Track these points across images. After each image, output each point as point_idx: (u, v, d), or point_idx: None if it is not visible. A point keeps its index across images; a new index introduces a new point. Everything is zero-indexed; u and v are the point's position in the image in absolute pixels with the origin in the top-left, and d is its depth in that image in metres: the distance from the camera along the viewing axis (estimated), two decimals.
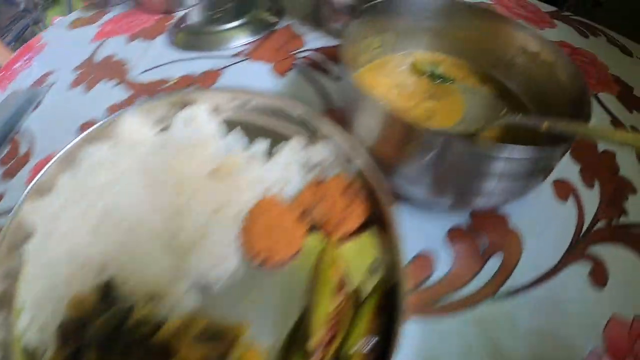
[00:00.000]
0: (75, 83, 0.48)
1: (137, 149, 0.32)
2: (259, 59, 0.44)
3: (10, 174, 0.40)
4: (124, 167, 0.31)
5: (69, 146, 0.33)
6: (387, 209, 0.26)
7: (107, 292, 0.28)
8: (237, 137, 0.33)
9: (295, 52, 0.45)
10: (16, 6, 1.06)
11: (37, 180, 0.31)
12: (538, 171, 0.28)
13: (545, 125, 0.25)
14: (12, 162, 0.41)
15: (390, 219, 0.25)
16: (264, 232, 0.27)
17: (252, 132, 0.34)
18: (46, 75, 0.51)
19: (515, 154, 0.24)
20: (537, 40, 0.33)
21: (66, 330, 0.26)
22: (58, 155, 0.33)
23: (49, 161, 0.39)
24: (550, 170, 0.29)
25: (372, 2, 0.33)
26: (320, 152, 0.30)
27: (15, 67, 0.55)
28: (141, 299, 0.27)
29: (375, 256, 0.26)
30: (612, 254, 0.30)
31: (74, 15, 0.65)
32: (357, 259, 0.26)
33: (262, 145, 0.32)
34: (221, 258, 0.27)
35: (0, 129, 0.43)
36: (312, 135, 0.33)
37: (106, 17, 0.60)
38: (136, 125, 0.34)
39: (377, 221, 0.27)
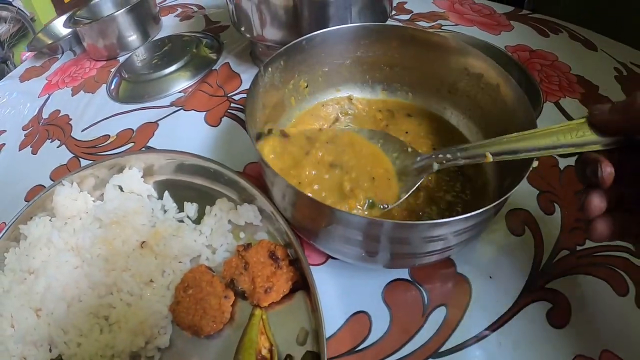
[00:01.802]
0: (23, 144, 0.49)
1: (72, 224, 0.33)
2: (193, 107, 0.44)
3: None
4: (60, 245, 0.32)
5: (10, 223, 0.35)
6: (310, 276, 0.26)
7: None
8: (167, 202, 0.34)
9: (230, 94, 0.45)
10: None
11: None
12: (481, 224, 0.26)
13: (488, 157, 0.23)
14: None
15: (312, 287, 0.25)
16: (192, 306, 0.27)
17: (182, 194, 0.34)
18: None
19: (447, 227, 0.22)
20: (478, 61, 0.32)
21: None
22: (3, 232, 0.34)
23: (1, 229, 0.40)
24: (499, 211, 0.28)
25: (290, 44, 0.32)
26: (246, 215, 0.31)
27: None
28: None
29: (302, 324, 0.26)
30: (574, 287, 0.29)
31: (26, 64, 0.66)
32: (286, 326, 0.27)
33: (191, 209, 0.33)
34: (156, 332, 0.27)
35: None
36: (239, 196, 0.33)
37: (54, 67, 0.61)
38: (71, 197, 0.35)
39: (304, 285, 0.28)
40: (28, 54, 1.15)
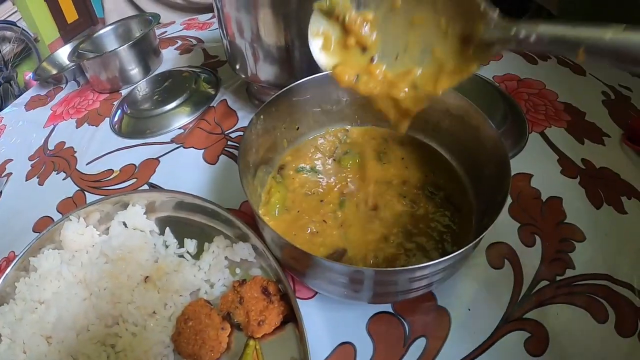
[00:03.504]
0: (30, 175, 0.54)
1: (79, 258, 0.38)
2: (192, 145, 0.49)
3: None
4: (69, 278, 0.36)
5: (20, 254, 0.38)
6: (297, 311, 0.30)
7: None
8: (169, 238, 0.39)
9: (227, 131, 0.50)
10: None
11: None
12: (461, 259, 0.30)
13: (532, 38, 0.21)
14: None
15: (300, 321, 0.29)
16: (192, 337, 0.31)
17: (183, 230, 0.39)
18: (5, 162, 0.57)
19: (425, 270, 0.26)
20: (458, 103, 0.35)
21: None
22: (12, 265, 0.38)
23: (9, 261, 0.45)
24: (477, 245, 0.32)
25: (278, 93, 0.36)
26: (241, 252, 0.35)
27: None
28: None
29: (292, 354, 0.30)
30: (553, 316, 0.31)
31: (29, 93, 0.72)
32: (277, 355, 0.31)
33: (190, 245, 0.37)
34: (159, 359, 0.31)
35: None
36: (235, 234, 0.37)
37: (58, 97, 0.67)
38: (78, 231, 0.39)
39: (293, 319, 0.32)
40: (31, 74, 1.23)
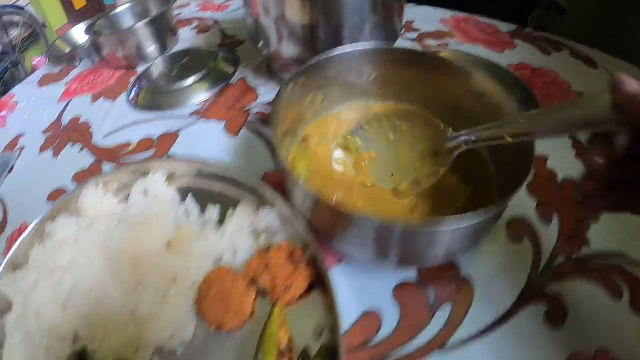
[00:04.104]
0: (44, 147, 0.53)
1: (98, 224, 0.37)
2: (212, 117, 0.49)
3: None
4: (87, 245, 0.35)
5: (36, 221, 0.38)
6: (327, 275, 0.30)
7: None
8: (190, 205, 0.38)
9: (248, 107, 0.50)
10: None
11: (11, 255, 0.36)
12: (485, 227, 0.30)
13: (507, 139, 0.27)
14: None
15: (329, 285, 0.29)
16: (217, 301, 0.31)
17: (205, 198, 0.38)
18: (17, 137, 0.56)
19: (451, 226, 0.26)
20: (479, 81, 0.36)
21: None
22: (28, 230, 0.37)
23: (22, 231, 0.44)
24: (499, 216, 0.32)
25: (309, 64, 0.37)
26: (266, 218, 0.34)
27: None
28: None
29: (318, 320, 0.30)
30: (571, 290, 0.32)
31: (43, 70, 0.71)
32: (303, 322, 0.30)
33: (213, 212, 0.37)
34: (180, 326, 0.31)
35: None
36: (259, 201, 0.37)
37: (72, 74, 0.66)
38: (97, 198, 0.38)
39: (320, 284, 0.31)
40: (38, 59, 1.22)
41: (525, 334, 0.30)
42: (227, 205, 0.37)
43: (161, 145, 0.47)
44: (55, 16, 1.52)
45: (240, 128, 0.46)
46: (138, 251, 0.34)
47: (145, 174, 0.40)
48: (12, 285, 0.35)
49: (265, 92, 0.51)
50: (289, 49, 0.45)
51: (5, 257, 0.40)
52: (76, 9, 1.60)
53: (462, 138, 0.32)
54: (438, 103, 0.40)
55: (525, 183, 0.28)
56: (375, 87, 0.41)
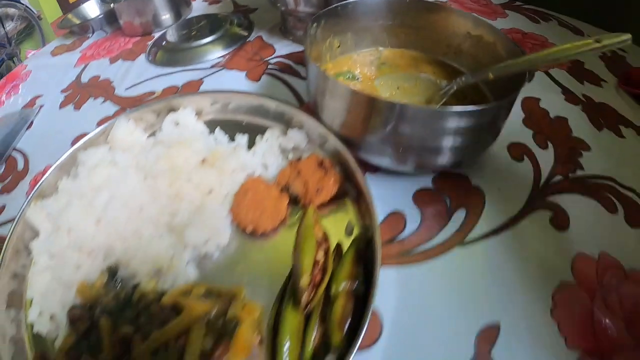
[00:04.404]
0: (64, 104, 0.54)
1: (131, 150, 0.39)
2: (234, 67, 0.52)
3: (9, 188, 0.45)
4: (122, 165, 0.37)
5: (67, 153, 0.39)
6: (358, 177, 0.33)
7: (113, 275, 0.34)
8: (220, 135, 0.40)
9: (267, 59, 0.53)
10: None
11: (40, 185, 0.37)
12: (487, 127, 0.34)
13: (490, 75, 0.34)
14: (10, 178, 0.46)
15: (361, 183, 0.32)
16: (251, 206, 0.33)
17: (233, 129, 0.40)
18: (35, 98, 0.57)
19: (460, 112, 0.30)
20: (477, 25, 0.40)
21: (75, 314, 0.31)
22: (58, 162, 0.39)
23: (46, 172, 0.46)
24: (498, 130, 0.36)
25: (329, 7, 0.41)
26: (294, 138, 0.37)
27: (1, 95, 0.61)
28: (145, 277, 0.33)
29: (349, 219, 0.33)
30: (571, 202, 0.35)
31: (54, 43, 0.72)
32: (334, 223, 0.33)
33: (242, 140, 0.39)
34: (216, 232, 0.33)
35: None
36: (287, 125, 0.40)
37: (86, 44, 0.68)
38: (128, 131, 0.41)
39: (349, 191, 0.34)
40: (33, 52, 1.23)
41: (534, 234, 0.34)
42: (254, 133, 0.40)
43: (186, 91, 0.49)
44: (50, 9, 1.53)
45: (262, 75, 0.50)
46: (174, 167, 0.36)
47: (174, 110, 0.43)
48: (40, 213, 0.36)
49: (282, 47, 0.55)
50: (306, 6, 0.49)
51: (33, 189, 0.42)
52: (70, 2, 1.62)
53: (452, 85, 0.38)
54: (442, 47, 0.45)
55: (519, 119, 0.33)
56: (385, 34, 0.46)
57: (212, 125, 0.42)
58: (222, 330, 0.27)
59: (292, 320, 0.26)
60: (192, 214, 0.34)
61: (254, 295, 0.30)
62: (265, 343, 0.28)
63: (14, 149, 0.50)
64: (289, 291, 0.28)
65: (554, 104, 0.47)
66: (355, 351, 0.24)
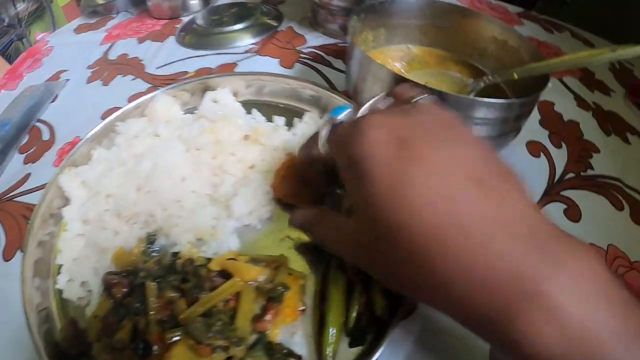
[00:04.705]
0: (91, 79, 0.54)
1: (171, 124, 0.40)
2: (267, 54, 0.53)
3: (33, 158, 0.45)
4: (164, 136, 0.38)
5: (103, 123, 0.40)
6: None
7: (151, 243, 0.35)
8: (257, 115, 0.42)
9: (299, 47, 0.55)
10: (1, 21, 1.16)
11: (73, 153, 0.38)
12: (512, 121, 0.36)
13: (515, 75, 0.37)
14: (34, 148, 0.47)
15: None
16: (293, 182, 0.35)
17: (268, 111, 0.42)
18: (59, 72, 0.57)
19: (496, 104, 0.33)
20: (503, 30, 0.44)
21: (112, 280, 0.31)
22: (93, 131, 0.39)
23: (76, 143, 0.46)
24: (520, 126, 0.39)
25: (367, 4, 0.43)
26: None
27: (22, 68, 0.62)
28: (186, 245, 0.34)
29: None
30: (582, 197, 0.39)
31: (77, 21, 0.72)
32: None
33: (280, 121, 0.41)
34: (259, 204, 0.34)
35: (20, 118, 0.49)
36: (324, 111, 0.42)
37: (110, 24, 0.68)
38: (167, 106, 0.42)
39: None
40: (42, 35, 1.23)
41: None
42: (291, 117, 0.41)
43: (221, 73, 0.50)
44: None
45: (295, 63, 0.51)
46: (218, 140, 0.37)
47: (211, 89, 0.44)
48: (73, 180, 0.37)
49: (313, 38, 0.56)
50: (339, 0, 0.52)
51: (58, 164, 0.43)
52: None
53: (479, 82, 0.40)
54: (468, 48, 0.48)
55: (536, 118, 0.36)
56: (416, 32, 0.49)
57: (247, 106, 0.43)
58: (272, 295, 0.28)
59: (338, 288, 0.28)
60: (235, 186, 0.35)
61: (296, 266, 0.32)
62: (308, 311, 0.29)
63: (38, 120, 0.51)
64: (334, 259, 0.30)
65: (567, 109, 0.50)
66: (400, 317, 0.26)
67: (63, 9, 1.32)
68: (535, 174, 0.41)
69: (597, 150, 0.46)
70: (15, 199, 0.41)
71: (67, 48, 0.65)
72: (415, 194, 0.17)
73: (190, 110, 0.43)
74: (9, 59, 1.19)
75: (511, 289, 0.15)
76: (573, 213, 0.39)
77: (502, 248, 0.15)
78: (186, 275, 0.31)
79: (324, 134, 0.27)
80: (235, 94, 0.44)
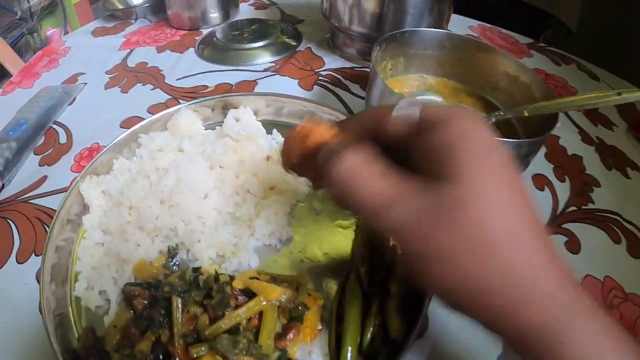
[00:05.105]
0: (109, 85, 0.55)
1: (195, 138, 0.41)
2: (286, 74, 0.55)
3: (50, 161, 0.46)
4: (188, 151, 0.39)
5: (126, 133, 0.41)
6: None
7: (172, 256, 0.36)
8: (277, 137, 0.43)
9: (317, 70, 0.56)
10: (13, 14, 1.16)
11: (94, 161, 0.39)
12: (522, 158, 0.39)
13: (525, 112, 0.39)
14: (50, 150, 0.48)
15: None
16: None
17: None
18: (76, 75, 0.58)
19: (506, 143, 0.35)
20: (516, 66, 0.45)
21: (133, 291, 0.32)
22: (116, 140, 0.40)
23: (95, 149, 0.48)
24: (529, 162, 0.41)
25: (388, 34, 0.45)
26: None
27: (38, 67, 0.62)
28: (207, 261, 0.36)
29: None
30: (582, 230, 0.40)
31: (94, 24, 0.73)
32: None
33: None
34: (279, 226, 0.35)
35: (37, 119, 0.50)
36: None
37: (129, 29, 0.69)
38: (190, 121, 0.43)
39: None
40: (53, 30, 1.24)
41: None
42: None
43: (240, 91, 0.52)
44: None
45: (313, 85, 0.53)
46: (242, 159, 0.38)
47: (231, 106, 0.45)
48: (95, 188, 0.38)
49: (331, 61, 0.58)
50: (359, 26, 0.54)
51: (76, 169, 0.44)
52: None
53: (491, 117, 0.42)
54: (481, 82, 0.51)
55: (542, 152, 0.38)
56: (431, 63, 0.51)
57: (268, 126, 0.44)
58: (294, 315, 0.29)
59: (355, 308, 0.30)
60: (257, 206, 0.36)
61: (315, 286, 0.33)
62: (325, 329, 0.31)
63: (55, 121, 0.52)
64: (352, 280, 0.32)
65: (572, 143, 0.53)
66: (413, 339, 0.28)
67: (75, 7, 1.33)
68: (539, 207, 0.44)
69: (599, 185, 0.49)
70: (30, 201, 0.42)
71: (84, 50, 0.66)
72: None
73: (211, 126, 0.45)
74: (19, 52, 1.20)
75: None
76: (573, 245, 0.41)
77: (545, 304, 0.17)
78: (209, 291, 0.32)
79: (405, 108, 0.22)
80: (255, 113, 0.46)
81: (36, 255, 0.37)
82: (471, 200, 0.17)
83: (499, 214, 0.18)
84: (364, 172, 0.20)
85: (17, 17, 1.18)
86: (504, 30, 0.72)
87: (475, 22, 0.74)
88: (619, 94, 0.38)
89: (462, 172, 0.18)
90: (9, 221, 0.40)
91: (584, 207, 0.45)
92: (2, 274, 0.36)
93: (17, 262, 0.37)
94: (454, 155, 0.18)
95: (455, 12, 0.76)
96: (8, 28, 1.16)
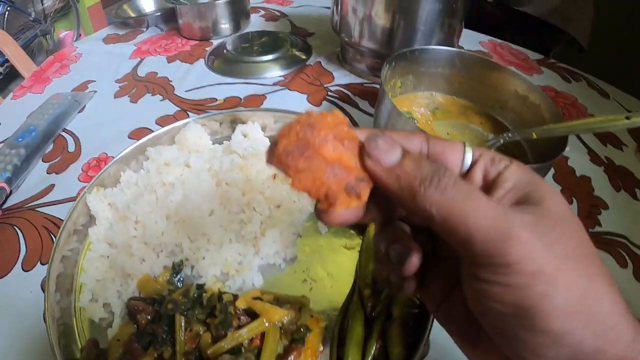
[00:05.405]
0: (119, 94, 0.56)
1: (202, 154, 0.42)
2: (295, 89, 0.55)
3: (58, 169, 0.47)
4: (195, 167, 0.39)
5: (133, 146, 0.41)
6: None
7: (177, 273, 0.37)
8: None
9: (326, 85, 0.57)
10: (27, 15, 1.19)
11: (101, 173, 0.39)
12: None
13: (534, 135, 0.39)
14: (59, 158, 0.48)
15: None
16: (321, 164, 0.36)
17: None
18: (87, 82, 0.59)
19: None
20: (526, 86, 0.45)
21: (136, 306, 0.32)
22: (123, 153, 0.41)
23: (102, 160, 0.49)
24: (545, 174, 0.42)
25: (398, 52, 0.45)
26: None
27: (49, 72, 0.63)
28: (211, 278, 0.36)
29: None
30: None
31: (105, 30, 0.74)
32: None
33: None
34: (284, 246, 0.36)
35: (46, 126, 0.50)
36: None
37: (140, 37, 0.70)
38: (198, 135, 0.44)
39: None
40: (66, 32, 1.26)
41: None
42: None
43: (249, 105, 0.52)
44: None
45: (322, 101, 0.54)
46: (247, 178, 0.39)
47: (239, 121, 0.46)
48: (102, 201, 0.38)
49: (340, 76, 0.58)
50: (369, 42, 0.54)
51: (87, 173, 0.45)
52: None
53: (499, 139, 0.42)
54: (490, 100, 0.51)
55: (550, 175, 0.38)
56: (441, 81, 0.51)
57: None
58: (295, 336, 0.30)
59: (357, 331, 0.30)
60: (263, 225, 0.37)
61: (317, 307, 0.33)
62: (326, 351, 0.31)
63: (64, 129, 0.52)
64: (355, 302, 0.32)
65: (580, 163, 0.53)
66: None
67: (89, 10, 1.36)
68: None
69: (606, 207, 0.48)
70: (37, 209, 0.43)
71: (95, 57, 0.67)
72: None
73: (218, 140, 0.45)
74: (32, 54, 1.22)
75: None
76: None
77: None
78: (212, 310, 0.32)
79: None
80: (263, 129, 0.46)
81: (42, 263, 0.38)
82: None
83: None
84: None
85: (31, 18, 1.21)
86: (514, 46, 0.72)
87: (486, 38, 0.74)
88: (628, 117, 0.38)
89: None
90: (16, 228, 0.40)
91: (591, 230, 0.45)
92: (7, 281, 0.36)
93: (22, 269, 0.37)
94: None
95: (466, 27, 0.77)
96: (22, 29, 1.19)
